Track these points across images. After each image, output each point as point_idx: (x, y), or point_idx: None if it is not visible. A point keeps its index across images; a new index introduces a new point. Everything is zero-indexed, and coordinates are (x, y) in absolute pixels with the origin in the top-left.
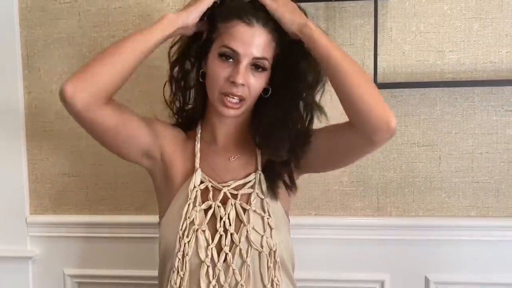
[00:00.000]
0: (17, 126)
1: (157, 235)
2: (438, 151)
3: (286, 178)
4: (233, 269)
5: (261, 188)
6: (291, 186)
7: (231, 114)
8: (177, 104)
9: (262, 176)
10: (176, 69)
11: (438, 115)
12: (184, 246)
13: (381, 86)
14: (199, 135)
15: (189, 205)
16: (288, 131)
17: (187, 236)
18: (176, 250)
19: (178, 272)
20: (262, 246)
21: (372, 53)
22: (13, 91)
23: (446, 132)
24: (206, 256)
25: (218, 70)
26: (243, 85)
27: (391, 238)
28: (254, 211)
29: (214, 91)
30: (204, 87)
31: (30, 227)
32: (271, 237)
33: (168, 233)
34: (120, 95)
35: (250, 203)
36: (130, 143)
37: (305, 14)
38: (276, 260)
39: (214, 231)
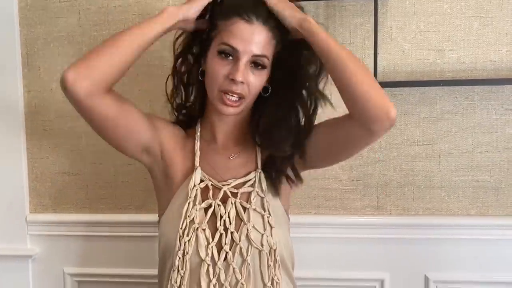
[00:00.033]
0: (17, 124)
1: (157, 234)
2: (438, 150)
3: (290, 172)
4: (233, 268)
5: (261, 186)
6: (296, 179)
7: (230, 112)
8: (178, 100)
9: (262, 175)
10: (180, 61)
11: (438, 114)
12: (185, 245)
13: (381, 85)
14: (198, 134)
15: (189, 203)
16: (289, 128)
17: (187, 235)
18: (177, 249)
19: (178, 270)
20: (262, 245)
21: (372, 52)
22: (13, 90)
23: (446, 131)
24: (207, 254)
25: (217, 68)
26: (242, 82)
27: (391, 237)
28: (254, 209)
29: (213, 89)
30: (204, 86)
31: (30, 226)
32: (271, 235)
33: (168, 231)
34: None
35: (250, 202)
36: (130, 135)
37: (303, 11)
38: (276, 259)
39: (214, 230)
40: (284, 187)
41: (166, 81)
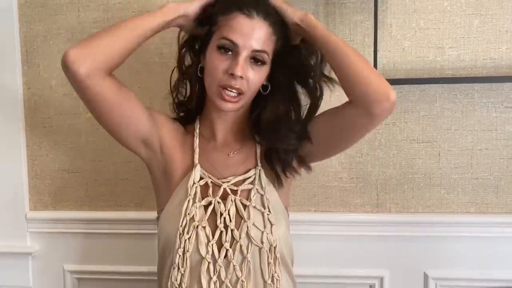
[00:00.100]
0: (17, 122)
1: (156, 231)
2: (438, 148)
3: (295, 163)
4: (233, 265)
5: (261, 183)
6: (305, 168)
7: (229, 108)
8: (180, 97)
9: (262, 172)
10: (183, 51)
11: (437, 111)
12: (185, 242)
13: None
14: (197, 131)
15: (188, 201)
16: (292, 121)
17: (188, 233)
18: (177, 247)
19: (178, 268)
20: (262, 242)
21: (372, 49)
22: (13, 87)
23: (446, 129)
24: (207, 252)
25: (216, 63)
26: (241, 78)
27: (390, 235)
28: (254, 207)
29: (212, 84)
30: (203, 82)
31: (30, 223)
32: (271, 233)
33: (168, 229)
34: None
35: (250, 199)
36: (128, 122)
37: None
38: (276, 256)
39: (214, 227)
40: (285, 184)
41: (171, 75)
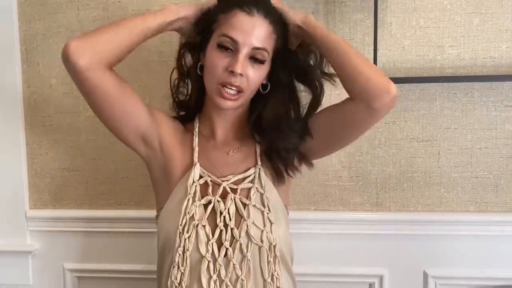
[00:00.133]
0: (17, 120)
1: (156, 230)
2: (437, 146)
3: (296, 161)
4: (233, 264)
5: (260, 182)
6: (305, 162)
7: (228, 105)
8: (181, 96)
9: (262, 170)
10: (183, 52)
11: (437, 110)
12: (185, 241)
13: None
14: (197, 129)
15: (188, 200)
16: (293, 120)
17: (187, 232)
18: (176, 245)
19: (178, 267)
20: (262, 241)
21: (372, 48)
22: (12, 86)
23: (446, 127)
24: (207, 251)
25: (216, 60)
26: (241, 75)
27: (390, 233)
28: (254, 205)
29: (212, 82)
30: (202, 81)
31: (30, 222)
32: (271, 231)
33: (168, 227)
34: None
35: (250, 198)
36: (127, 118)
37: None
38: (276, 255)
39: (214, 226)
40: (285, 182)
41: (171, 75)
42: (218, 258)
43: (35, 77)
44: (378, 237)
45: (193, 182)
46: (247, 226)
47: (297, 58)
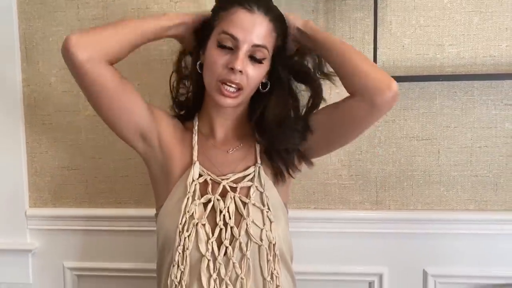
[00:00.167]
0: (17, 119)
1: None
2: (437, 145)
3: (296, 160)
4: (233, 263)
5: (260, 181)
6: (305, 161)
7: (228, 103)
8: (182, 98)
9: (261, 169)
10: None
11: (437, 109)
12: (184, 240)
13: None
14: (196, 128)
15: (188, 199)
16: (293, 122)
17: (187, 230)
18: (176, 244)
19: (178, 266)
20: (261, 240)
21: (372, 46)
22: (12, 84)
23: (445, 126)
24: (207, 250)
25: (216, 57)
26: (241, 72)
27: (389, 232)
28: (254, 204)
29: (211, 79)
30: (202, 79)
31: (30, 220)
32: (271, 230)
33: (167, 226)
34: None
35: (250, 197)
36: (126, 114)
37: None
38: (275, 253)
39: (214, 225)
40: (285, 181)
41: (171, 75)
42: (218, 256)
43: (35, 76)
44: (377, 235)
45: (193, 180)
46: (247, 224)
47: (293, 64)
